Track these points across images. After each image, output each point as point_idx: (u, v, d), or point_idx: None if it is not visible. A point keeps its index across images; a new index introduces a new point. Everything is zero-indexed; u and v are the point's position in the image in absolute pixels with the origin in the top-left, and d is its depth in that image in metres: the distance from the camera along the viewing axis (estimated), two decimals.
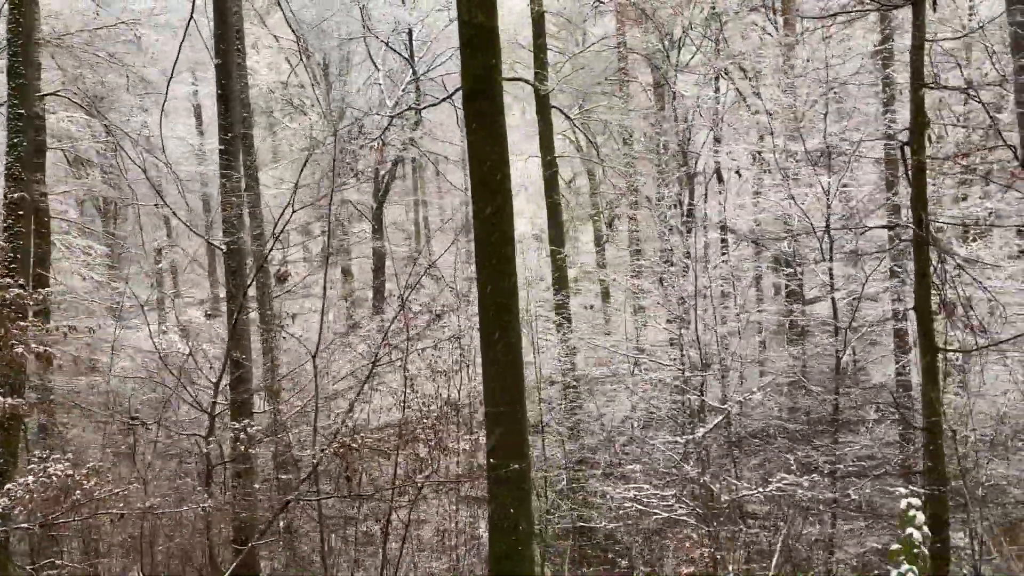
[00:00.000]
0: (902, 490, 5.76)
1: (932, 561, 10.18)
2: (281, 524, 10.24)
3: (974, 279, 9.79)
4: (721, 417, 12.21)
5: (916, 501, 5.60)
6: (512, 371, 9.97)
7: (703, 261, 16.33)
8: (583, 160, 25.54)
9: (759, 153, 15.67)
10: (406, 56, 23.28)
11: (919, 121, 10.28)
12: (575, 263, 26.69)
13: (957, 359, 11.94)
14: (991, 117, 8.58)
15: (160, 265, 21.80)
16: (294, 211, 10.23)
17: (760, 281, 19.64)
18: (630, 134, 21.30)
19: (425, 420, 10.31)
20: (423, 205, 37.97)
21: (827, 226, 13.47)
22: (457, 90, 20.79)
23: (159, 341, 13.05)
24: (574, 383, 16.38)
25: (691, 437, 11.54)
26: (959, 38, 10.99)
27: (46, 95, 16.13)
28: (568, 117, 19.81)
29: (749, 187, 17.45)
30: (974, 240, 13.98)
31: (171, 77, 16.01)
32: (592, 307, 26.45)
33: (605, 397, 15.74)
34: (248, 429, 9.36)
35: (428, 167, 37.22)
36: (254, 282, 14.07)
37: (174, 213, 13.61)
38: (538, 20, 18.74)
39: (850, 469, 11.11)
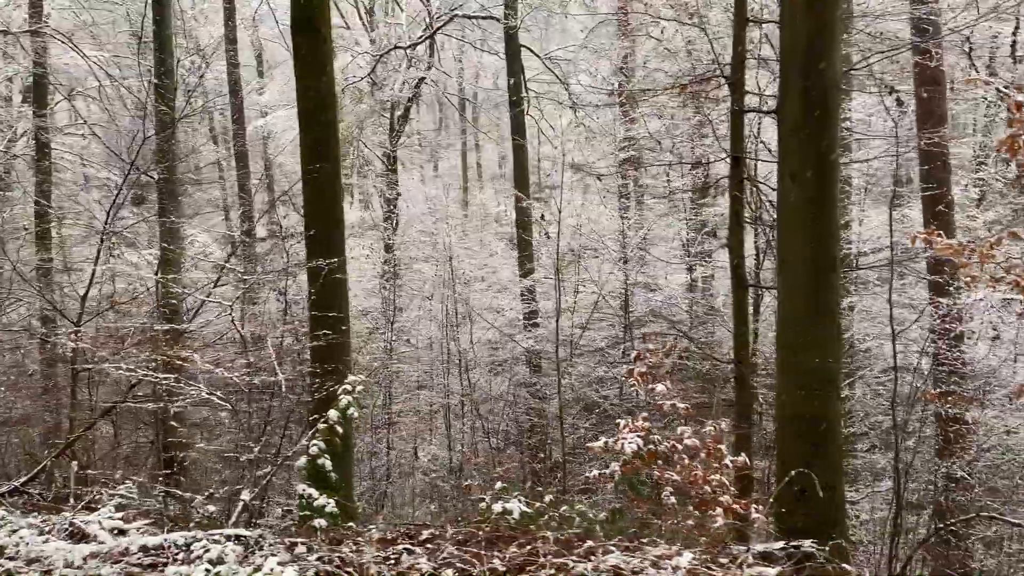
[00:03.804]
0: (346, 399, 5.76)
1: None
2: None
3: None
4: None
5: (333, 414, 5.60)
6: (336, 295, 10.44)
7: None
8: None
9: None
10: None
11: (739, 56, 9.97)
12: None
13: None
14: (714, 53, 8.23)
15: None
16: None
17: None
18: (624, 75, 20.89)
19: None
20: (476, 150, 38.06)
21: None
22: (441, 27, 20.92)
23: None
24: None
25: None
26: None
27: (30, 31, 17.49)
28: (537, 55, 19.61)
29: None
30: None
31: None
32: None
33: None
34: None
35: (481, 110, 37.29)
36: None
37: (100, 140, 14.62)
38: None
39: None
